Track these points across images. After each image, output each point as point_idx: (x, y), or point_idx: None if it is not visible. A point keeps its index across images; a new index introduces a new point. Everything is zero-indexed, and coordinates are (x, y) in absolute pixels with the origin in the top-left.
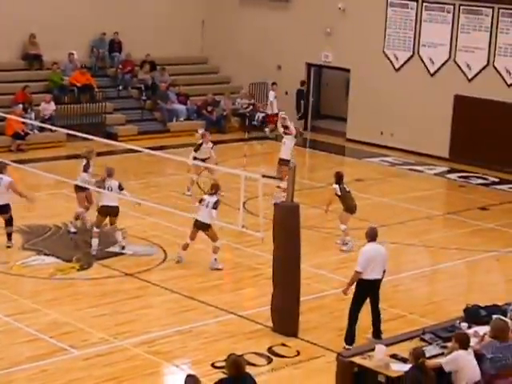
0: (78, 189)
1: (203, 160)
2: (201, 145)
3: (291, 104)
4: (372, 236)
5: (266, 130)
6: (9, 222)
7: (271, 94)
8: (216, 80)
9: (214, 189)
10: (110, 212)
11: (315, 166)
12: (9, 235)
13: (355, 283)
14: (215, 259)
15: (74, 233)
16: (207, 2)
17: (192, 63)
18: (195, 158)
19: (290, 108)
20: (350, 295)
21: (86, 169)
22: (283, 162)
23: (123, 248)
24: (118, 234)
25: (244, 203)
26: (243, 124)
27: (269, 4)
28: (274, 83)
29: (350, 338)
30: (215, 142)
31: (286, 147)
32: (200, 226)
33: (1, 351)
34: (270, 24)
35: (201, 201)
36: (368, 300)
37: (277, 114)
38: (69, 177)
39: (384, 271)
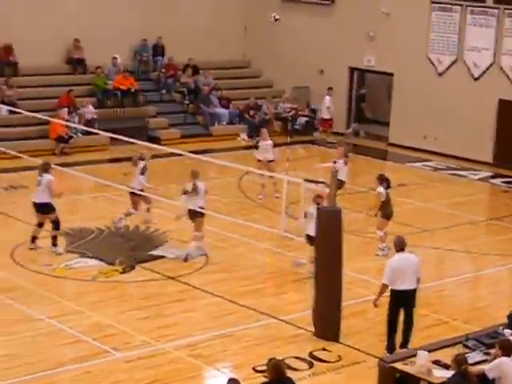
0: (133, 193)
1: (267, 161)
2: (258, 142)
3: (334, 108)
4: (400, 246)
5: (316, 134)
6: (55, 225)
7: (327, 99)
8: (258, 84)
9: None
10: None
11: (357, 171)
12: (53, 238)
13: (389, 293)
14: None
15: (119, 228)
16: (250, 5)
17: (234, 67)
18: (259, 161)
19: (333, 111)
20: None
21: (143, 171)
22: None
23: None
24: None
25: (286, 207)
26: (285, 128)
27: (311, 8)
28: (330, 88)
29: (390, 347)
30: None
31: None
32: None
33: (45, 352)
34: (312, 28)
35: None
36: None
37: (331, 119)
38: (112, 180)
39: (418, 280)
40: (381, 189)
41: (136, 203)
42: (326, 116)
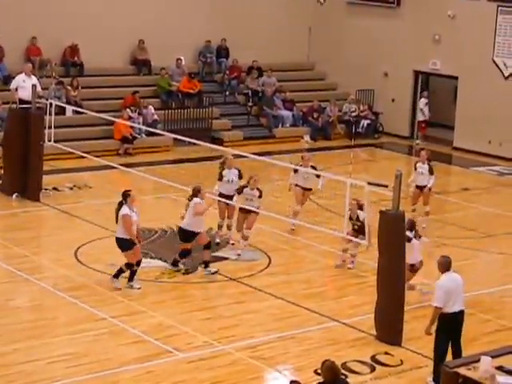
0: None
1: (304, 189)
2: (296, 171)
3: (397, 112)
4: (446, 266)
5: (417, 141)
6: (206, 247)
7: (422, 101)
8: (322, 86)
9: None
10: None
11: None
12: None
13: (438, 318)
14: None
15: (217, 243)
16: (314, 8)
17: (298, 69)
18: (296, 185)
19: (397, 114)
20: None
21: (220, 177)
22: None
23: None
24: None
25: (349, 210)
26: (349, 131)
27: (377, 10)
28: (423, 90)
29: (437, 376)
30: (321, 149)
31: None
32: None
33: (107, 352)
34: (377, 30)
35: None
36: None
37: (425, 121)
38: (175, 181)
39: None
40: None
41: (222, 211)
42: (421, 118)
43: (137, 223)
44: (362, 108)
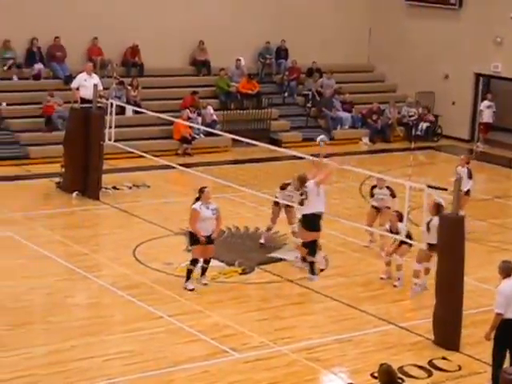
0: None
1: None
2: (374, 187)
3: (457, 115)
4: (507, 271)
5: (478, 143)
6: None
7: (484, 104)
8: (382, 88)
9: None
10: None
11: (481, 178)
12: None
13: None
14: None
15: (262, 244)
16: (374, 9)
17: (358, 71)
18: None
19: (457, 118)
20: None
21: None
22: None
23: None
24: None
25: (408, 213)
26: (408, 133)
27: (437, 12)
28: (487, 92)
29: (495, 382)
30: (379, 151)
31: None
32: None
33: (164, 350)
34: (437, 33)
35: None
36: None
37: (486, 124)
38: (233, 181)
39: None
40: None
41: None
42: (482, 120)
43: (212, 220)
44: (421, 111)
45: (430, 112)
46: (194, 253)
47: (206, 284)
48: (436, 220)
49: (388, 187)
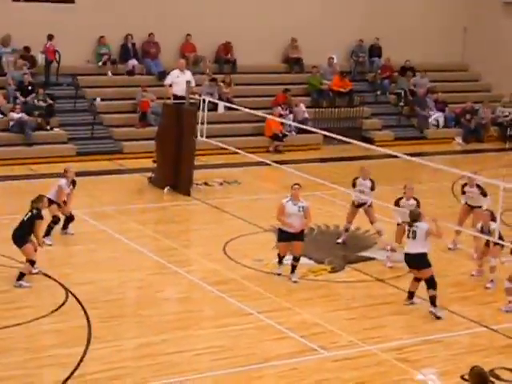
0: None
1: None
2: (400, 199)
3: None
4: None
5: None
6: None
7: None
8: (476, 88)
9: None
10: None
11: None
12: (432, 298)
13: None
14: None
15: (338, 243)
16: (470, 8)
17: (452, 70)
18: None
19: None
20: None
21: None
22: None
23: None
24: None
25: (501, 214)
26: (502, 134)
27: None
28: None
29: None
30: (473, 151)
31: None
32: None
33: (253, 347)
34: None
35: None
36: None
37: None
38: (324, 179)
39: None
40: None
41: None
42: None
43: (298, 217)
44: None
45: None
46: (279, 248)
47: (295, 281)
48: None
49: (478, 186)
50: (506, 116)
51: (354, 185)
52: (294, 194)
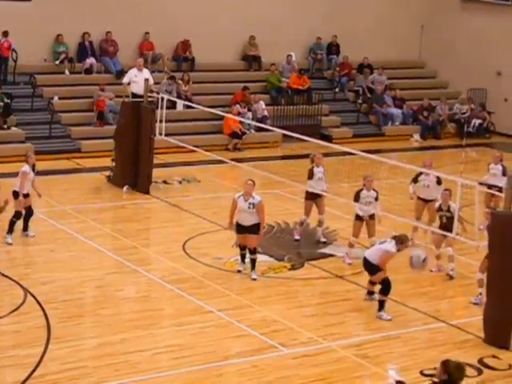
0: (307, 196)
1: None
2: (360, 191)
3: (510, 111)
4: None
5: None
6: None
7: None
8: (433, 85)
9: None
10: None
11: None
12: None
13: None
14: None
15: (297, 240)
16: (427, 6)
17: (409, 67)
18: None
19: (509, 115)
20: None
21: (309, 176)
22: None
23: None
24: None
25: (459, 210)
26: (459, 130)
27: (490, 8)
28: None
29: None
30: (430, 148)
31: None
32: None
33: (213, 345)
34: (490, 28)
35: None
36: None
37: None
38: (283, 177)
39: None
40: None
41: (307, 208)
42: None
43: (248, 213)
44: (473, 107)
45: (485, 109)
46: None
47: (254, 279)
48: None
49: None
50: (463, 113)
51: (415, 181)
52: (245, 190)
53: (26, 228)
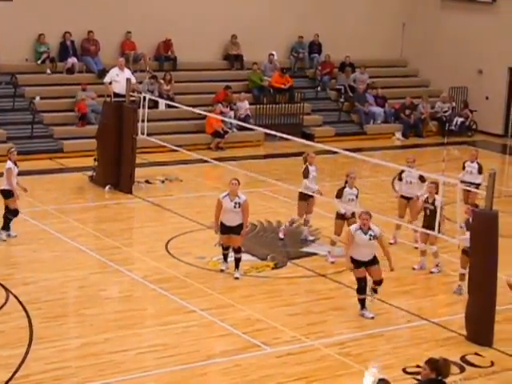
0: (301, 196)
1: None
2: (343, 188)
3: (491, 110)
4: None
5: None
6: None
7: None
8: (415, 83)
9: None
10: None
11: None
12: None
13: None
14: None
15: (282, 239)
16: (408, 4)
17: (391, 66)
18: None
19: (490, 113)
20: None
21: (305, 175)
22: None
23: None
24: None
25: (441, 208)
26: (441, 128)
27: (471, 7)
28: None
29: None
30: (412, 146)
31: None
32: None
33: (196, 344)
34: (471, 27)
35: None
36: None
37: None
38: (266, 175)
39: None
40: None
41: (301, 209)
42: None
43: (234, 213)
44: (454, 105)
45: (468, 107)
46: (222, 240)
47: (237, 278)
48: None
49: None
50: (445, 111)
51: (400, 178)
52: (231, 190)
53: (7, 228)
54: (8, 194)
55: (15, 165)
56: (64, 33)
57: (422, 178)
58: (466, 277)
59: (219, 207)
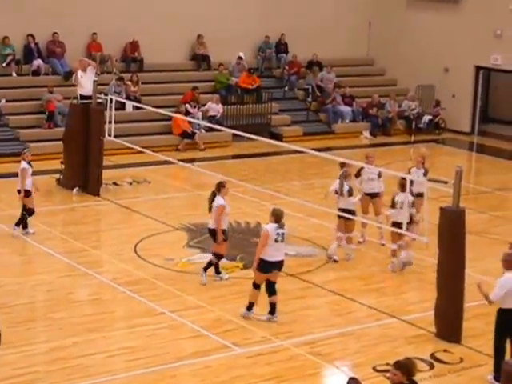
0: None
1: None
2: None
3: (458, 108)
4: (510, 264)
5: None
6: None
7: None
8: (382, 82)
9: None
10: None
11: (482, 171)
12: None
13: (497, 315)
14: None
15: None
16: (374, 3)
17: (358, 65)
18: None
19: (457, 111)
20: None
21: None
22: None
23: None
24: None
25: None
26: (409, 127)
27: (436, 6)
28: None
29: (498, 374)
30: (380, 145)
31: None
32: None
33: (166, 346)
34: (437, 26)
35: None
36: None
37: None
38: (234, 176)
39: None
40: None
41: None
42: None
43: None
44: (420, 104)
45: (440, 105)
46: (221, 249)
47: (204, 284)
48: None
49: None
50: (412, 109)
51: (358, 175)
52: (225, 193)
53: (26, 226)
54: (26, 194)
55: (29, 165)
56: (27, 35)
57: (379, 174)
58: (398, 253)
59: (224, 214)
